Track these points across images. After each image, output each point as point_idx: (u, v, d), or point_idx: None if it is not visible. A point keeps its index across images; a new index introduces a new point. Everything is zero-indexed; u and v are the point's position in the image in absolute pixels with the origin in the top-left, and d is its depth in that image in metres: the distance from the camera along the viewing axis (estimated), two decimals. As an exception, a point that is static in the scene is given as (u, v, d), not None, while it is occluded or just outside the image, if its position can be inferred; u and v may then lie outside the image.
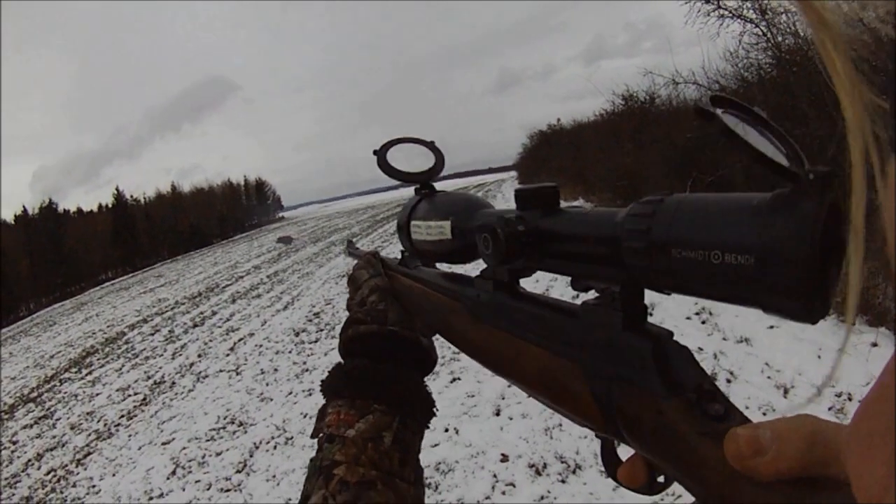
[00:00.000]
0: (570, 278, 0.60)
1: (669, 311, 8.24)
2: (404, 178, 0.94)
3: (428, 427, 0.87)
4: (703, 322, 7.69)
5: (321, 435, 0.80)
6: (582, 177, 24.60)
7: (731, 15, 11.68)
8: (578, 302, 0.58)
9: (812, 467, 0.38)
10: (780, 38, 10.62)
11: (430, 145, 0.99)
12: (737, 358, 6.39)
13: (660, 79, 14.47)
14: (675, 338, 0.51)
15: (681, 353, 0.50)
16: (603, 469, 0.60)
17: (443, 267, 0.97)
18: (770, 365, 6.09)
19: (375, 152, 0.95)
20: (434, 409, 0.87)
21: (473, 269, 0.80)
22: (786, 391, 5.57)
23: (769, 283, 0.37)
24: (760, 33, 11.11)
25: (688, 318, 7.93)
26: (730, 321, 7.34)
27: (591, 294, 0.58)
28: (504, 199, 37.46)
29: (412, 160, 0.97)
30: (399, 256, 1.05)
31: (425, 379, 0.90)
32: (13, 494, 8.80)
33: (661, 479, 0.52)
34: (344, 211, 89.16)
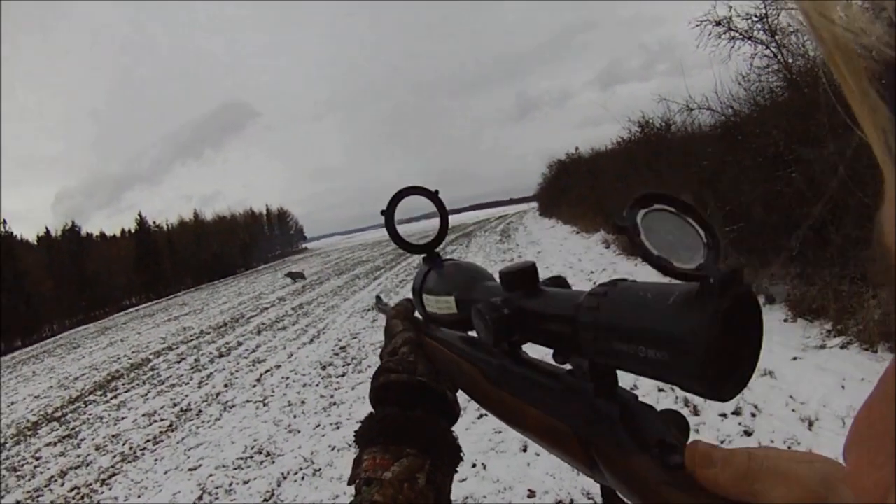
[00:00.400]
0: (552, 350, 0.67)
1: None
2: (412, 249, 1.03)
3: (456, 471, 0.93)
4: None
5: (358, 480, 0.85)
6: (601, 206, 24.74)
7: (741, 36, 11.95)
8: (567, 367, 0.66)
9: (745, 495, 0.44)
10: (790, 60, 10.79)
11: (434, 197, 1.06)
12: (761, 391, 6.44)
13: (674, 105, 14.82)
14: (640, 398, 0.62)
15: (645, 413, 0.57)
16: None
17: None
18: (794, 398, 6.16)
19: (383, 212, 1.04)
20: (461, 454, 0.93)
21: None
22: (810, 424, 5.63)
23: (682, 372, 0.46)
24: (771, 55, 11.32)
25: None
26: None
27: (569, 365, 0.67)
28: (526, 232, 38.13)
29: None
30: None
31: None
32: (34, 509, 9.06)
33: None
34: (367, 243, 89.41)
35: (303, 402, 10.44)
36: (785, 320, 8.72)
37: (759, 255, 10.36)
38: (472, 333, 0.85)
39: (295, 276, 39.70)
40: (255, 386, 12.51)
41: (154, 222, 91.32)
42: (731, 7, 11.93)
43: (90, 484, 9.31)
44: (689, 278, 0.45)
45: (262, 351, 16.26)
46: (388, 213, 1.03)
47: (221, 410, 11.31)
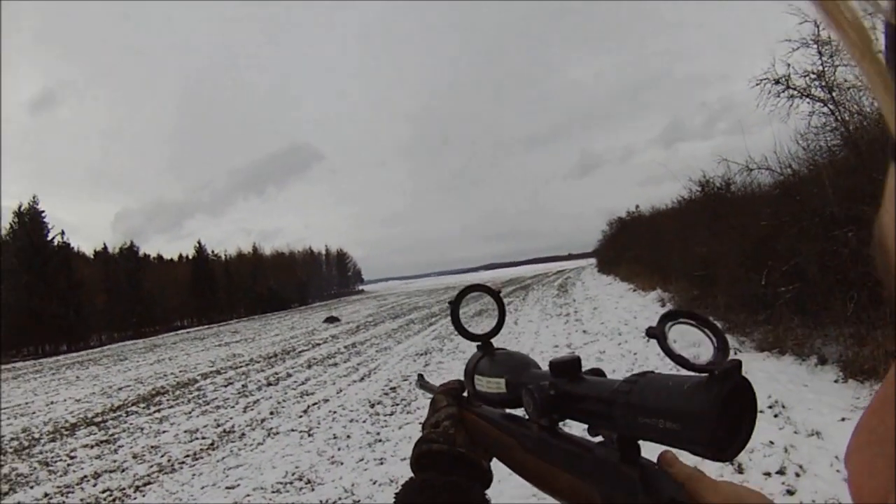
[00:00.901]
0: (586, 426, 0.81)
1: None
2: (471, 337, 1.14)
3: None
4: (776, 415, 7.69)
5: None
6: (659, 266, 25.03)
7: (799, 94, 11.99)
8: (597, 439, 0.81)
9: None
10: (847, 117, 10.74)
11: (496, 295, 1.20)
12: (807, 451, 6.38)
13: (734, 165, 15.02)
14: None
15: (661, 476, 0.71)
16: None
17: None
18: (840, 458, 5.90)
19: (450, 303, 1.18)
20: None
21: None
22: (854, 484, 5.47)
23: (691, 440, 0.61)
24: (828, 112, 11.28)
25: (760, 411, 7.83)
26: (802, 415, 7.34)
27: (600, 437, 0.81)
28: (583, 288, 38.36)
29: (479, 304, 1.21)
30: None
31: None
32: (63, 502, 9.19)
33: None
34: (424, 289, 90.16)
35: (348, 437, 10.41)
36: (836, 381, 8.67)
37: (813, 316, 10.33)
38: (512, 411, 1.03)
39: (332, 320, 41.69)
40: (301, 416, 12.52)
41: (212, 251, 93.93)
42: (789, 65, 12.04)
43: (123, 488, 9.36)
44: (700, 371, 0.61)
45: (312, 384, 16.34)
46: (455, 305, 1.18)
47: (265, 436, 11.33)
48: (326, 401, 13.74)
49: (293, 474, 8.88)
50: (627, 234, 43.47)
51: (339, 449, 9.81)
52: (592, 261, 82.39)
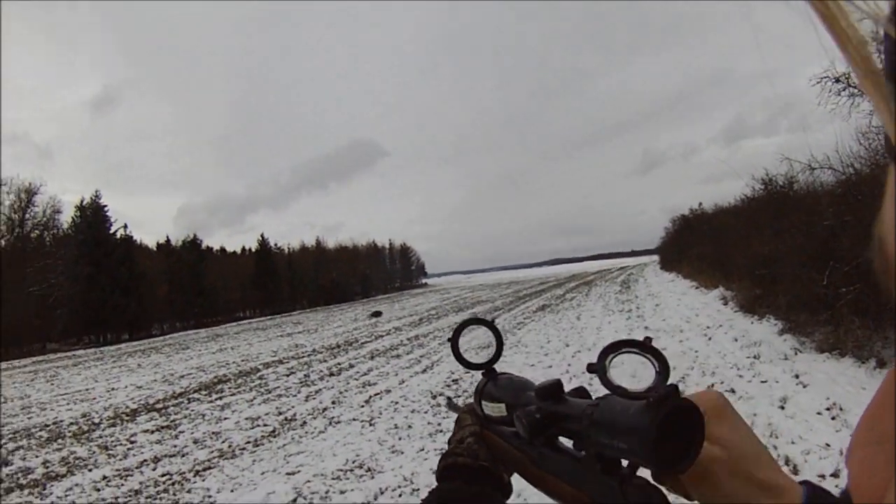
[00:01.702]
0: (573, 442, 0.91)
1: (801, 405, 8.40)
2: (473, 367, 1.23)
3: None
4: (833, 418, 7.65)
5: None
6: (721, 264, 25.01)
7: (860, 93, 11.73)
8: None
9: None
10: None
11: (491, 325, 1.27)
12: None
13: (797, 164, 15.09)
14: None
15: (640, 484, 0.78)
16: None
17: None
18: None
19: (449, 340, 1.26)
20: None
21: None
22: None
23: (640, 458, 0.70)
24: None
25: (818, 413, 7.91)
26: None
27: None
28: (645, 285, 38.42)
29: (479, 339, 1.33)
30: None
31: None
32: (122, 485, 9.45)
33: None
34: (487, 284, 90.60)
35: (409, 427, 10.57)
36: (877, 276, 8.47)
37: (874, 318, 10.22)
38: None
39: (376, 314, 43.01)
40: (363, 406, 12.73)
41: (275, 244, 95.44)
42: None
43: (183, 472, 9.64)
44: (636, 398, 0.69)
45: (374, 375, 16.57)
46: (454, 340, 1.25)
47: (326, 424, 11.55)
48: (388, 391, 13.94)
49: (353, 462, 9.05)
50: (690, 231, 43.63)
51: (399, 438, 9.96)
52: (655, 258, 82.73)
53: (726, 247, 24.79)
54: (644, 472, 0.81)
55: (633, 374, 0.73)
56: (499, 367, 1.22)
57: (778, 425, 7.79)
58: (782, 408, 8.54)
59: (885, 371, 6.51)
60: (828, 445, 6.74)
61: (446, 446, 1.18)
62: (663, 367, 0.73)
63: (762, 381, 10.03)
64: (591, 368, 0.75)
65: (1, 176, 50.61)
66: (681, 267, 41.88)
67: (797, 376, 9.88)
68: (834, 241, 11.70)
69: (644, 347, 0.75)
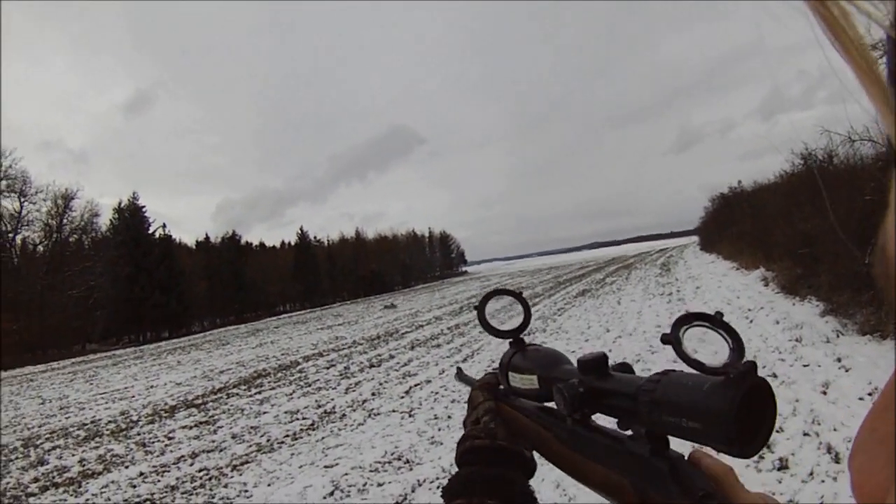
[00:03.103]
0: (616, 420, 0.85)
1: (843, 390, 8.34)
2: (501, 335, 1.17)
3: None
4: None
5: None
6: (762, 243, 24.88)
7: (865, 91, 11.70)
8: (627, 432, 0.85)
9: None
10: None
11: (519, 296, 1.23)
12: None
13: (836, 136, 14.97)
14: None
15: (690, 468, 0.74)
16: None
17: None
18: None
19: (475, 307, 1.22)
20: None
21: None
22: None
23: (713, 438, 0.65)
24: None
25: (860, 398, 7.81)
26: None
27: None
28: (685, 267, 38.20)
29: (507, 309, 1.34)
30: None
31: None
32: (158, 481, 9.53)
33: None
34: (527, 270, 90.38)
35: (449, 417, 10.54)
36: (878, 285, 8.38)
37: None
38: (548, 404, 1.06)
39: (389, 306, 44.73)
40: (402, 397, 12.73)
41: (315, 237, 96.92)
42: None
43: (221, 468, 9.70)
44: (716, 374, 0.66)
45: (414, 365, 16.60)
46: (480, 310, 1.21)
47: (366, 416, 11.55)
48: (428, 382, 13.95)
49: (392, 454, 9.04)
50: (730, 210, 43.24)
51: (439, 429, 9.94)
52: (694, 238, 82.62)
53: (766, 225, 24.71)
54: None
55: (694, 350, 0.68)
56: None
57: (820, 411, 7.70)
58: (824, 393, 8.44)
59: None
60: None
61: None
62: (737, 344, 0.69)
63: (804, 365, 9.88)
64: (665, 339, 0.69)
65: (1, 172, 51.24)
66: (721, 248, 41.66)
67: (839, 360, 9.73)
68: (875, 217, 11.34)
69: (716, 322, 0.71)
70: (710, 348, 0.73)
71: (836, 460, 6.24)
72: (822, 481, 5.84)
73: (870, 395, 7.82)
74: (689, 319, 0.71)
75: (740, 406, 0.62)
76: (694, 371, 0.68)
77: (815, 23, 0.35)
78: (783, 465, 6.37)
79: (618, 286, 32.44)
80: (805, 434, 7.04)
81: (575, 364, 0.97)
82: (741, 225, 33.35)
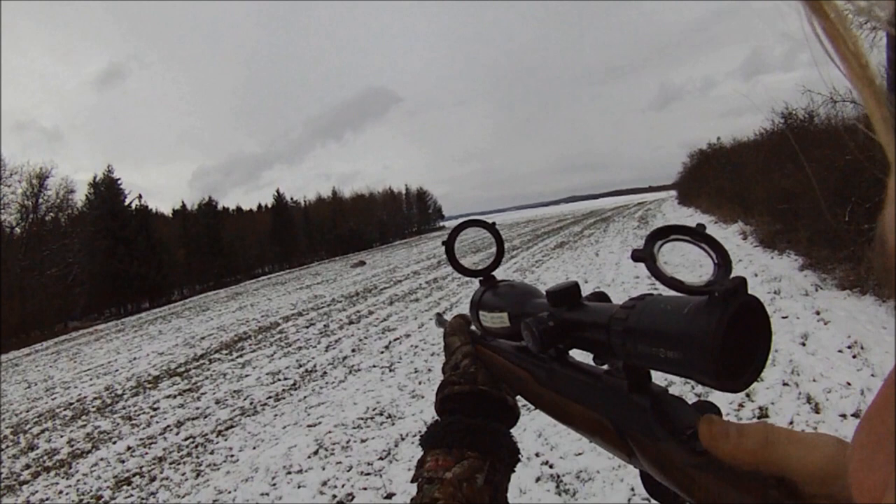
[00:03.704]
0: (592, 354, 0.79)
1: (822, 342, 8.35)
2: (470, 273, 1.13)
3: (514, 470, 1.02)
4: (855, 356, 7.56)
5: (420, 479, 0.94)
6: (741, 198, 24.97)
7: (882, 25, 11.95)
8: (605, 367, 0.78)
9: (766, 465, 0.51)
10: None
11: (491, 228, 1.17)
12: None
13: (818, 97, 14.91)
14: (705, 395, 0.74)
15: (676, 404, 0.67)
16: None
17: None
18: None
19: (444, 243, 1.17)
20: (519, 455, 1.03)
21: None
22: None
23: (694, 369, 0.55)
24: None
25: (839, 350, 7.86)
26: (880, 357, 7.23)
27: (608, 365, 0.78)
28: (664, 220, 37.88)
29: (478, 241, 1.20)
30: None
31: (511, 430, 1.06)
32: (146, 453, 9.57)
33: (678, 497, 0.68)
34: (505, 224, 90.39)
35: (429, 370, 10.60)
36: (878, 277, 8.40)
37: None
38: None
39: (359, 264, 45.42)
40: (382, 352, 12.79)
41: (292, 198, 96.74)
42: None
43: (206, 434, 9.75)
44: (699, 293, 0.55)
45: (393, 320, 16.66)
46: (449, 243, 1.17)
47: (347, 373, 11.62)
48: (408, 336, 14.02)
49: (374, 409, 9.12)
50: (709, 166, 43.15)
51: (419, 383, 10.02)
52: (673, 193, 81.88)
53: (746, 181, 24.79)
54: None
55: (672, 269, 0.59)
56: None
57: (799, 362, 7.76)
58: (803, 344, 8.50)
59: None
60: (849, 384, 6.71)
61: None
62: (722, 259, 0.58)
63: (783, 317, 9.96)
64: (637, 256, 0.59)
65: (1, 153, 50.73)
66: (699, 202, 41.77)
67: (818, 313, 9.80)
68: (855, 176, 11.58)
69: (697, 235, 0.60)
70: (693, 275, 0.63)
71: (816, 410, 6.32)
72: (803, 431, 5.93)
73: (849, 347, 7.88)
74: (665, 233, 0.61)
75: (727, 330, 0.52)
76: (674, 294, 0.60)
77: (806, 19, 0.34)
78: (763, 414, 6.43)
79: (596, 238, 32.48)
80: (785, 384, 7.11)
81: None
82: (720, 180, 33.52)
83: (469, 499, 0.89)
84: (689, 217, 37.37)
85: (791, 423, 6.13)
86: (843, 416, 6.08)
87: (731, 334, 0.52)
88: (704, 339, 0.53)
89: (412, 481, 0.95)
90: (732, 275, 0.55)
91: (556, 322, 0.81)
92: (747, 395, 6.88)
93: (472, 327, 1.17)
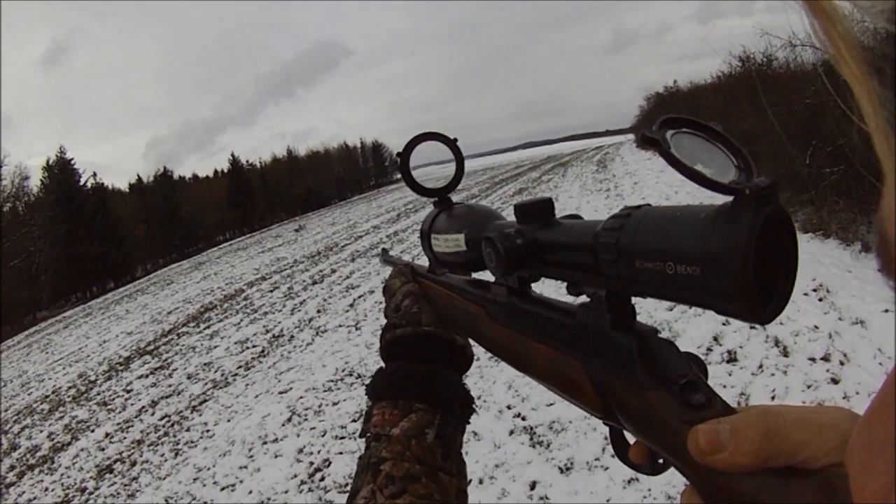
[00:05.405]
0: (566, 284, 0.69)
1: None
2: (426, 193, 1.05)
3: (469, 422, 0.96)
4: (820, 300, 7.59)
5: (368, 434, 0.89)
6: None
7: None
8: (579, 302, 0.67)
9: (774, 459, 0.44)
10: None
11: (451, 143, 1.08)
12: (851, 340, 6.30)
13: (777, 40, 14.72)
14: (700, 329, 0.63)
15: (666, 348, 0.57)
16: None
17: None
18: (882, 351, 5.95)
19: (398, 155, 1.05)
20: (473, 406, 0.96)
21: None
22: (895, 380, 5.48)
23: (714, 290, 0.45)
24: None
25: (805, 293, 7.85)
26: (846, 301, 7.25)
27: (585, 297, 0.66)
28: (623, 163, 37.86)
29: (437, 156, 1.12)
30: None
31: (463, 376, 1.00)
32: (124, 438, 9.53)
33: (661, 461, 0.60)
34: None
35: (395, 324, 10.51)
36: (879, 270, 8.47)
37: (858, 201, 10.12)
38: (479, 276, 0.92)
39: (299, 229, 44.95)
40: (347, 311, 12.77)
41: (247, 161, 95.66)
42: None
43: (181, 411, 9.74)
44: (724, 190, 0.44)
45: (356, 277, 16.60)
46: (404, 157, 1.05)
47: (314, 335, 11.61)
48: (372, 292, 13.92)
49: (343, 370, 9.14)
50: (666, 109, 42.05)
51: (386, 339, 9.95)
52: (630, 137, 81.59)
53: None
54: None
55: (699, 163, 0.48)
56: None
57: None
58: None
59: (870, 255, 6.52)
60: (816, 327, 6.73)
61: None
62: (744, 162, 0.49)
63: (745, 261, 9.96)
64: (646, 138, 0.48)
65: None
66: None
67: None
68: (816, 121, 11.47)
69: (713, 134, 0.52)
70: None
71: (785, 353, 6.35)
72: (772, 374, 5.94)
73: (815, 290, 7.92)
74: (677, 123, 0.51)
75: (759, 239, 0.42)
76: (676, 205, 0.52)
77: (806, 16, 0.33)
78: (732, 358, 6.47)
79: (555, 183, 32.54)
80: (752, 327, 7.05)
81: (513, 217, 0.80)
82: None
83: (419, 457, 0.84)
84: (648, 160, 37.38)
85: (760, 366, 6.16)
86: (812, 359, 6.10)
87: (762, 247, 0.42)
88: (732, 250, 0.42)
89: (360, 436, 0.92)
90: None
91: (525, 240, 0.73)
92: (715, 339, 6.94)
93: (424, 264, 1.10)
